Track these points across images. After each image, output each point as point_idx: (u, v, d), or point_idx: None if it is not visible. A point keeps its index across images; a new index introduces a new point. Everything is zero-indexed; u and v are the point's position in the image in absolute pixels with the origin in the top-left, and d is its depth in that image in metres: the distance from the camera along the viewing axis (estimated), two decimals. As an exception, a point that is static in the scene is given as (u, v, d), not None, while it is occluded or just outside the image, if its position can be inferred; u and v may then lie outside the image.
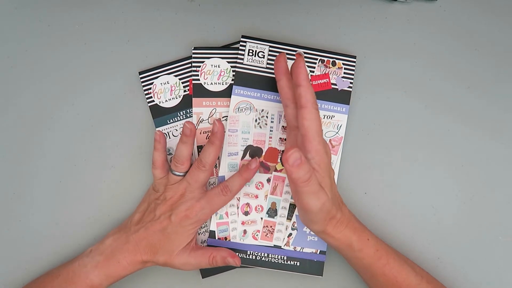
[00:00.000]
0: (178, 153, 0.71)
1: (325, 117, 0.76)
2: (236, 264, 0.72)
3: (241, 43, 0.76)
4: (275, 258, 0.75)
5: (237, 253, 0.74)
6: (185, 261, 0.71)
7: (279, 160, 0.76)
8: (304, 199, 0.64)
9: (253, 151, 0.75)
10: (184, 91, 0.77)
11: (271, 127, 0.76)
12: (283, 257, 0.75)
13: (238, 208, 0.75)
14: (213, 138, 0.71)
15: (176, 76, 0.77)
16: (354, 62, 0.77)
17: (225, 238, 0.75)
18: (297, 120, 0.67)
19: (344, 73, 0.77)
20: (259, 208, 0.75)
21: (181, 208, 0.70)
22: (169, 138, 0.77)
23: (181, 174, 0.72)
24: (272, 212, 0.75)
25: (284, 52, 0.72)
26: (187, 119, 0.76)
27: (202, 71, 0.76)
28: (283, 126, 0.76)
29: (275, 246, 0.75)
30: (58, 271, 0.72)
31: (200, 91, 0.76)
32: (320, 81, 0.77)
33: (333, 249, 0.71)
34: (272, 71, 0.76)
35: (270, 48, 0.76)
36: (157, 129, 0.76)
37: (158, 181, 0.73)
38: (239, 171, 0.73)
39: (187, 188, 0.71)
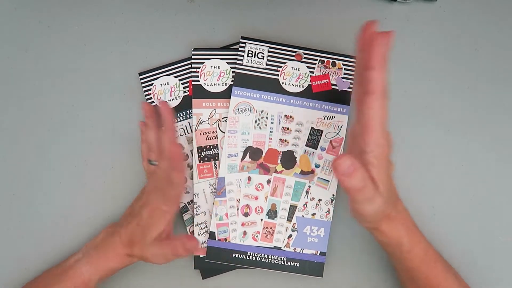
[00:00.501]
0: (148, 140, 0.71)
1: (325, 117, 0.76)
2: (194, 247, 0.68)
3: (240, 44, 0.76)
4: (275, 259, 0.75)
5: (236, 254, 0.74)
6: (155, 252, 0.69)
7: (279, 161, 0.76)
8: (356, 205, 0.61)
9: (252, 152, 0.76)
10: (184, 92, 0.77)
11: (271, 128, 0.76)
12: (283, 258, 0.75)
13: (238, 209, 0.75)
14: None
15: (176, 77, 0.77)
16: (354, 62, 0.77)
17: (225, 239, 0.75)
18: (360, 106, 0.60)
19: (344, 73, 0.77)
20: (259, 210, 0.75)
21: (151, 200, 0.69)
22: (169, 138, 0.77)
23: (156, 163, 0.71)
24: (272, 213, 0.75)
25: (376, 20, 0.61)
26: (145, 102, 0.73)
27: (202, 72, 0.76)
28: (283, 127, 0.76)
29: (275, 247, 0.75)
30: (56, 267, 0.73)
31: (199, 92, 0.76)
32: (320, 81, 0.77)
33: (380, 245, 0.69)
34: (272, 71, 0.76)
35: (270, 49, 0.76)
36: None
37: (146, 173, 0.74)
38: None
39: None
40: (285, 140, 0.76)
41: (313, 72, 0.76)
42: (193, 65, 0.77)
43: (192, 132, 0.76)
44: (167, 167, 0.65)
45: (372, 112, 0.58)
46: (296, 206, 0.75)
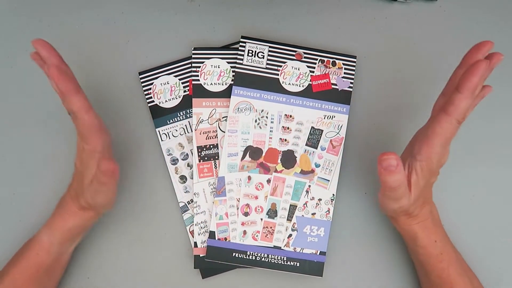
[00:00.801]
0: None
1: (326, 117, 0.76)
2: (106, 166, 0.62)
3: (240, 44, 0.76)
4: (275, 259, 0.75)
5: (236, 254, 0.74)
6: (92, 193, 0.66)
7: (279, 161, 0.76)
8: (383, 199, 0.66)
9: (252, 152, 0.75)
10: (184, 91, 0.77)
11: (271, 128, 0.76)
12: (283, 258, 0.75)
13: (238, 209, 0.75)
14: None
15: (176, 76, 0.77)
16: (354, 62, 0.77)
17: (225, 239, 0.75)
18: (434, 116, 0.63)
19: (344, 73, 0.77)
20: (259, 209, 0.75)
21: (76, 147, 0.67)
22: (169, 138, 0.77)
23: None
24: (272, 213, 0.75)
25: (490, 43, 0.63)
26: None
27: (202, 72, 0.76)
28: (283, 127, 0.76)
29: (275, 247, 0.75)
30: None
31: (200, 91, 0.76)
32: (320, 81, 0.77)
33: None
34: (272, 71, 0.76)
35: (270, 49, 0.76)
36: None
37: None
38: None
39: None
40: (285, 140, 0.76)
41: (313, 72, 0.76)
42: (193, 65, 0.77)
43: (192, 131, 0.76)
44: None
45: (439, 130, 0.60)
46: (296, 206, 0.75)
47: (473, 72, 0.58)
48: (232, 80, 0.77)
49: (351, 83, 0.77)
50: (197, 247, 0.75)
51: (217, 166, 0.76)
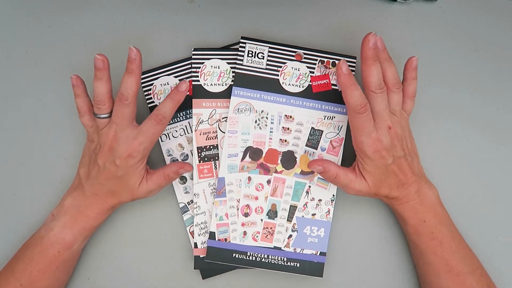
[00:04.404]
0: (96, 92, 0.69)
1: (326, 117, 0.76)
2: (188, 171, 0.73)
3: (240, 44, 0.76)
4: (275, 260, 0.75)
5: (236, 254, 0.74)
6: (147, 190, 0.72)
7: (279, 162, 0.76)
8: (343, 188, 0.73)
9: (252, 152, 0.75)
10: (184, 92, 0.77)
11: (271, 128, 0.76)
12: (283, 259, 0.75)
13: (238, 209, 0.75)
14: (131, 65, 0.68)
15: (176, 77, 0.77)
16: (354, 62, 0.77)
17: (225, 240, 0.75)
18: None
19: (344, 73, 0.77)
20: (259, 210, 0.75)
21: (121, 150, 0.69)
22: (169, 139, 0.77)
23: (105, 115, 0.70)
24: (272, 213, 0.75)
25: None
26: (99, 52, 0.69)
27: (202, 72, 0.76)
28: (283, 127, 0.76)
29: (275, 248, 0.75)
30: (25, 243, 0.73)
31: (199, 92, 0.76)
32: (320, 81, 0.76)
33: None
34: (272, 71, 0.76)
35: (270, 49, 0.76)
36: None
37: (91, 129, 0.72)
38: (169, 95, 0.70)
39: (117, 129, 0.69)
40: (285, 140, 0.76)
41: (313, 72, 0.76)
42: (193, 65, 0.77)
43: (192, 132, 0.76)
44: (168, 104, 0.70)
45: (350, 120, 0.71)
46: (296, 206, 0.75)
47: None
48: (232, 81, 0.77)
49: (351, 83, 0.77)
50: (197, 247, 0.75)
51: (217, 166, 0.76)
